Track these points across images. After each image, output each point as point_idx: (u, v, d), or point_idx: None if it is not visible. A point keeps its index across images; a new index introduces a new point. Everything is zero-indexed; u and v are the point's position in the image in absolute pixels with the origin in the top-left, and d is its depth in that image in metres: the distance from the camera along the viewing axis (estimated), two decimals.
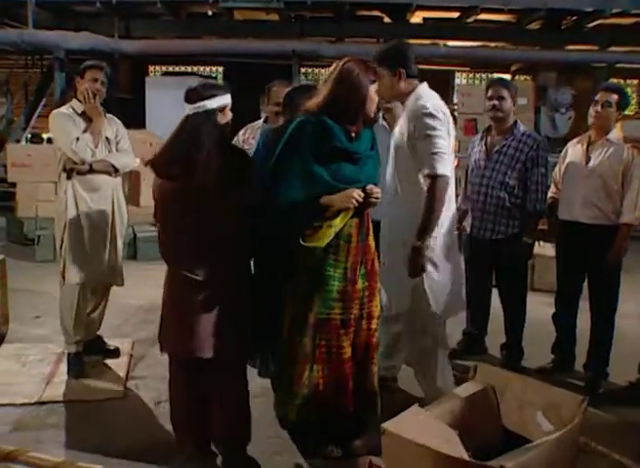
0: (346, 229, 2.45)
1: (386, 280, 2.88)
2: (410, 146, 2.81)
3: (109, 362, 3.69)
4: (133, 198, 6.26)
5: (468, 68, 12.73)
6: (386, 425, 2.21)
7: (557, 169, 3.69)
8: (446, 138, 2.78)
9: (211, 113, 2.42)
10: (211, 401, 2.55)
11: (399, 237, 2.87)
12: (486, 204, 3.61)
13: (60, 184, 3.48)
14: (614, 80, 9.78)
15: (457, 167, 9.88)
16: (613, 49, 9.38)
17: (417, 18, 9.49)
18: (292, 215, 2.40)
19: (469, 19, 9.23)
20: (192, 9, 9.51)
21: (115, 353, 3.76)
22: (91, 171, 3.42)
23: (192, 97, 2.43)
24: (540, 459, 2.14)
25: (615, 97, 3.39)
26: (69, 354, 3.51)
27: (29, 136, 9.52)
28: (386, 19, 9.46)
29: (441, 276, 2.91)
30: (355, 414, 2.59)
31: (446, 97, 12.09)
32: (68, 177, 3.43)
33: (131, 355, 3.81)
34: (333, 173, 2.41)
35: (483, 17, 9.19)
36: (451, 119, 2.88)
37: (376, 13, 9.36)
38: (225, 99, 2.47)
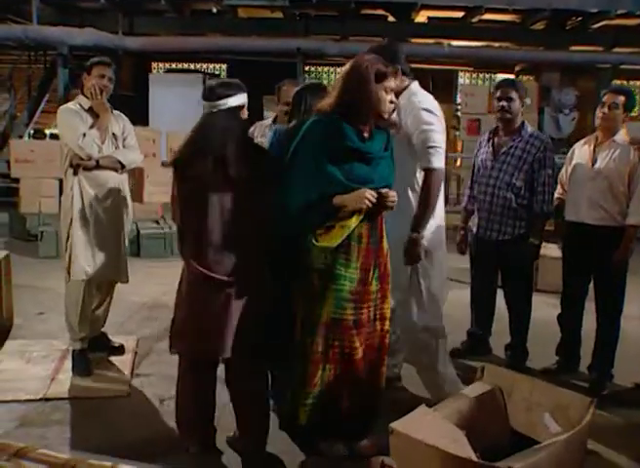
0: (357, 230, 2.44)
1: None
2: (405, 141, 2.84)
3: (114, 359, 3.68)
4: (136, 194, 6.24)
5: (472, 68, 12.73)
6: (395, 425, 2.21)
7: (564, 170, 3.69)
8: (441, 134, 2.86)
9: (234, 110, 2.42)
10: (233, 400, 2.56)
11: (396, 231, 2.87)
12: (493, 204, 3.61)
13: (67, 180, 3.47)
14: (617, 81, 9.79)
15: (460, 167, 9.90)
16: (617, 50, 9.38)
17: (421, 17, 9.49)
18: (304, 215, 2.39)
19: (474, 19, 9.23)
20: (196, 6, 9.51)
21: (120, 350, 3.75)
22: (97, 167, 3.41)
23: (214, 94, 2.41)
24: (549, 461, 2.13)
25: (622, 98, 3.39)
26: (74, 351, 3.51)
27: (32, 131, 9.52)
28: (391, 18, 9.46)
29: (434, 265, 2.97)
30: (361, 414, 2.59)
31: (449, 96, 12.12)
32: (75, 173, 3.41)
33: (135, 352, 3.81)
34: (345, 172, 2.40)
35: (487, 16, 9.20)
36: (443, 118, 2.97)
37: (380, 11, 9.36)
38: (244, 98, 2.47)
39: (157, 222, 6.80)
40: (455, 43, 9.30)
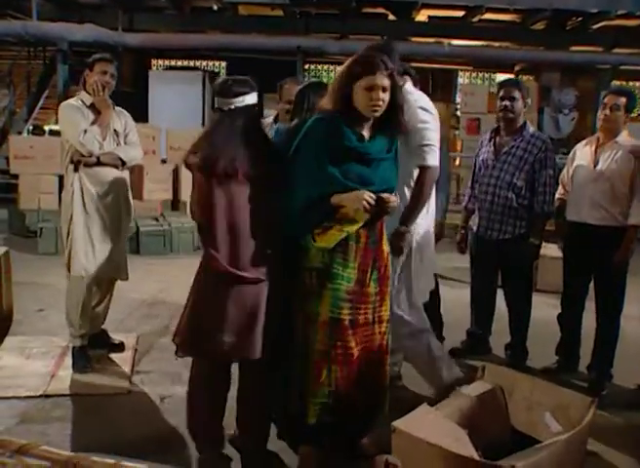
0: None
1: None
2: (402, 138, 2.83)
3: (114, 356, 3.68)
4: (136, 192, 6.23)
5: (472, 68, 12.73)
6: (397, 424, 2.22)
7: (565, 170, 3.69)
8: (436, 132, 2.91)
9: (251, 108, 2.42)
10: (238, 399, 2.54)
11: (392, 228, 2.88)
12: (493, 204, 3.62)
13: (67, 176, 3.46)
14: (617, 82, 9.79)
15: (459, 166, 9.90)
16: (617, 50, 9.39)
17: (422, 16, 9.49)
18: (305, 214, 2.38)
19: (474, 19, 9.23)
20: (196, 3, 9.49)
21: (120, 347, 3.75)
22: (98, 163, 3.41)
23: (230, 91, 2.39)
24: (550, 460, 2.14)
25: (623, 99, 3.40)
26: (74, 347, 3.51)
27: (31, 127, 9.49)
28: (391, 17, 9.45)
29: (423, 258, 3.00)
30: (367, 413, 2.58)
31: (449, 96, 12.11)
32: (75, 170, 3.41)
33: (135, 349, 3.81)
34: (343, 172, 2.37)
35: (488, 16, 9.20)
36: (438, 117, 3.00)
37: (381, 10, 9.34)
38: (256, 96, 2.46)
39: (156, 220, 6.77)
40: (455, 42, 9.30)
